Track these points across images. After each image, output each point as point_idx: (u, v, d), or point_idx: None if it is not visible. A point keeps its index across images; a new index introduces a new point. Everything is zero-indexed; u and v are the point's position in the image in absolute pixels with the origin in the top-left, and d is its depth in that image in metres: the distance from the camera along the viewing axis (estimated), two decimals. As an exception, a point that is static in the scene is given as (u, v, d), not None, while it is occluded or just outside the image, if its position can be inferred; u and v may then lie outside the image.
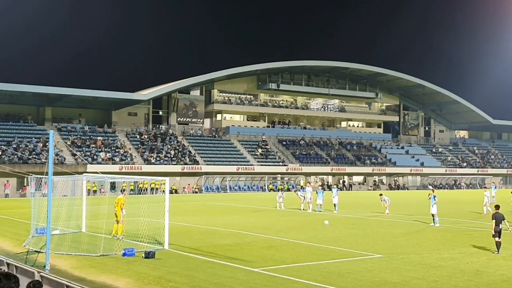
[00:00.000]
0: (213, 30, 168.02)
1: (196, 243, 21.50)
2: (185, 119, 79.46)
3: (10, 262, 13.99)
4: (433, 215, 28.61)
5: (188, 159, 69.81)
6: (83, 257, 18.11)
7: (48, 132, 55.86)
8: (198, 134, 78.49)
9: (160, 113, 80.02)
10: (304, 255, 18.88)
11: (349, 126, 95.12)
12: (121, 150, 66.95)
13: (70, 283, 10.88)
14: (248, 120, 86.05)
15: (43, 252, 17.10)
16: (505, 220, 20.10)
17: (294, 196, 41.53)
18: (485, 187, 37.66)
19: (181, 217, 31.32)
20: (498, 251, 19.34)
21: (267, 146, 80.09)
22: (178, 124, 78.68)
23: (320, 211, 36.89)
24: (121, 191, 23.36)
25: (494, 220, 19.67)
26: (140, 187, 57.85)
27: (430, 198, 28.92)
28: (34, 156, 58.76)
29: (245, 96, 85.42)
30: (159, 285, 14.52)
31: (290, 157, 79.57)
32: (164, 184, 20.87)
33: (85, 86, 69.84)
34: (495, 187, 49.87)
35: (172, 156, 69.42)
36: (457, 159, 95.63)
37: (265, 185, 73.37)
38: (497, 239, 19.43)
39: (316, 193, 38.42)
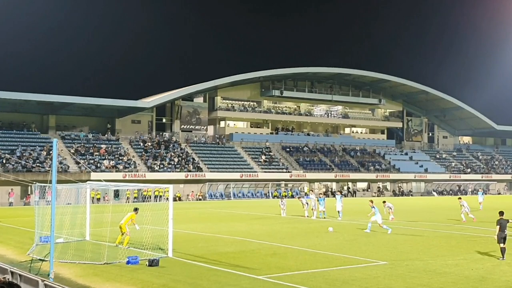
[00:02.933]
0: (216, 37, 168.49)
1: (200, 251, 21.46)
2: (188, 126, 79.56)
3: (14, 270, 13.99)
4: (379, 224, 28.52)
5: (191, 166, 69.83)
6: (87, 265, 18.09)
7: (51, 140, 55.93)
8: (202, 141, 78.54)
9: (164, 120, 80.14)
10: (309, 262, 18.83)
11: (353, 132, 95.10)
12: (124, 158, 67.02)
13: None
14: (251, 127, 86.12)
15: (47, 261, 17.08)
16: (509, 223, 20.07)
17: (298, 203, 41.47)
18: (459, 198, 37.09)
19: (185, 224, 31.29)
20: (503, 257, 19.27)
21: (270, 153, 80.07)
22: (182, 131, 78.80)
23: (324, 217, 36.83)
24: (134, 209, 22.96)
25: (498, 226, 19.62)
26: (143, 195, 57.95)
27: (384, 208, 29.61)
28: (38, 164, 58.84)
29: (248, 103, 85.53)
30: (163, 293, 14.48)
31: (293, 163, 79.52)
32: (167, 191, 20.87)
33: (88, 94, 70.14)
34: (482, 193, 49.80)
35: (175, 163, 69.45)
36: (461, 165, 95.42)
37: (269, 192, 73.29)
38: (502, 245, 19.36)
39: (318, 200, 38.46)
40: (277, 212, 41.36)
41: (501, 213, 20.26)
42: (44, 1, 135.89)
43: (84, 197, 26.45)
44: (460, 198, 37.25)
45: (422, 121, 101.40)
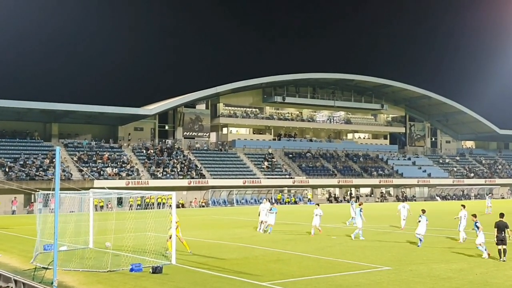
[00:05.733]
0: (218, 43, 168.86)
1: (203, 258, 21.44)
2: (191, 133, 79.61)
3: (17, 279, 14.02)
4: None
5: (194, 173, 69.83)
6: (91, 273, 18.08)
7: (54, 148, 55.95)
8: (204, 148, 78.56)
9: (166, 127, 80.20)
10: (312, 268, 18.80)
11: (355, 138, 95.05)
12: (127, 165, 67.04)
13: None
14: (254, 133, 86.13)
15: (50, 269, 17.08)
16: (508, 229, 20.11)
17: (298, 209, 41.30)
18: (404, 200, 35.45)
19: (188, 231, 31.20)
20: (503, 258, 19.53)
21: (273, 159, 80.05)
22: (184, 138, 78.83)
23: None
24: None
25: (496, 228, 19.85)
26: (147, 202, 57.95)
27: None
28: (41, 172, 58.88)
29: (250, 109, 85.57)
30: (167, 300, 14.44)
31: (296, 169, 79.47)
32: (170, 198, 20.85)
33: (91, 102, 70.26)
34: (490, 197, 49.91)
35: (178, 170, 69.46)
36: (464, 169, 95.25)
37: (272, 198, 73.15)
38: (499, 246, 19.53)
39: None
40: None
41: (501, 215, 20.46)
42: (46, 8, 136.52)
43: (88, 204, 26.46)
44: (404, 201, 36.15)
45: (424, 126, 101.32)
